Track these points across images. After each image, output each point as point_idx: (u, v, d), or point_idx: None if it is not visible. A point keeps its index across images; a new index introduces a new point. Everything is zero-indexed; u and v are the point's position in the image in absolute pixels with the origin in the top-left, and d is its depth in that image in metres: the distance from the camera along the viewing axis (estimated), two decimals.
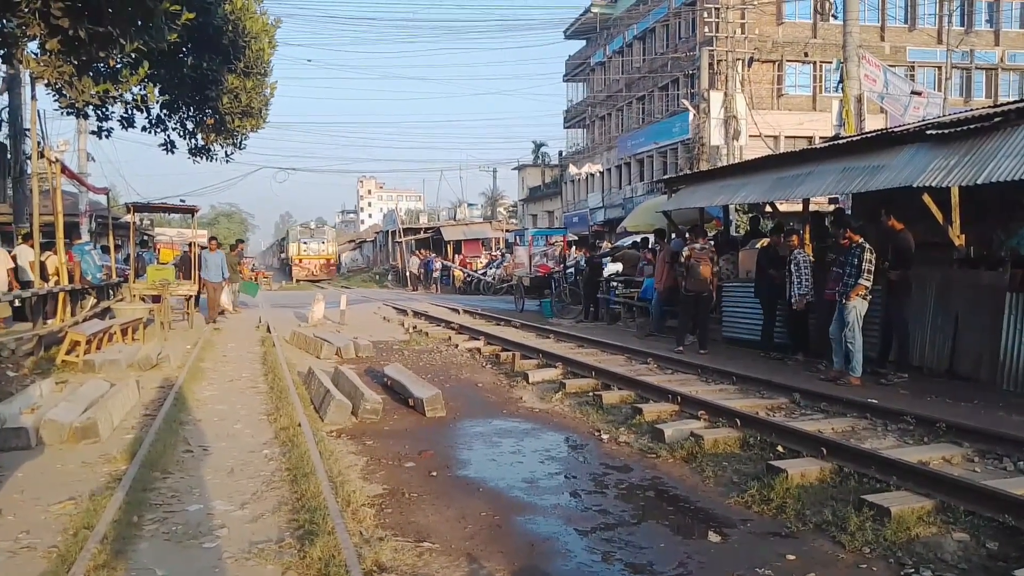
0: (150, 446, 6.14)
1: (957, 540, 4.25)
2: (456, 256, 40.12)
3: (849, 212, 12.11)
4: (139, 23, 9.03)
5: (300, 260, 48.53)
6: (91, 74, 9.69)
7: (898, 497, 4.76)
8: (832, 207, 14.81)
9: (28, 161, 17.37)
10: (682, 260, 11.74)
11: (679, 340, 11.78)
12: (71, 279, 14.00)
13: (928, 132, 8.91)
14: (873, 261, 8.67)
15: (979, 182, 7.85)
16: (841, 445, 5.75)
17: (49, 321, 12.92)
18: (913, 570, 4.04)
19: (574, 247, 24.54)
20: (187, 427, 7.26)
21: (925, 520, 4.51)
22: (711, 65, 29.85)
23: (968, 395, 7.97)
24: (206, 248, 17.53)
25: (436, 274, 35.60)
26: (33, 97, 11.17)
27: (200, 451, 6.44)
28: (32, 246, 13.66)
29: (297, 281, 45.59)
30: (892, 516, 4.49)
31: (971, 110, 9.33)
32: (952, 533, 4.34)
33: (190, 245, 18.80)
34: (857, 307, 8.70)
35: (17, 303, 12.08)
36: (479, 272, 33.65)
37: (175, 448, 6.43)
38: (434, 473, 5.94)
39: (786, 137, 32.82)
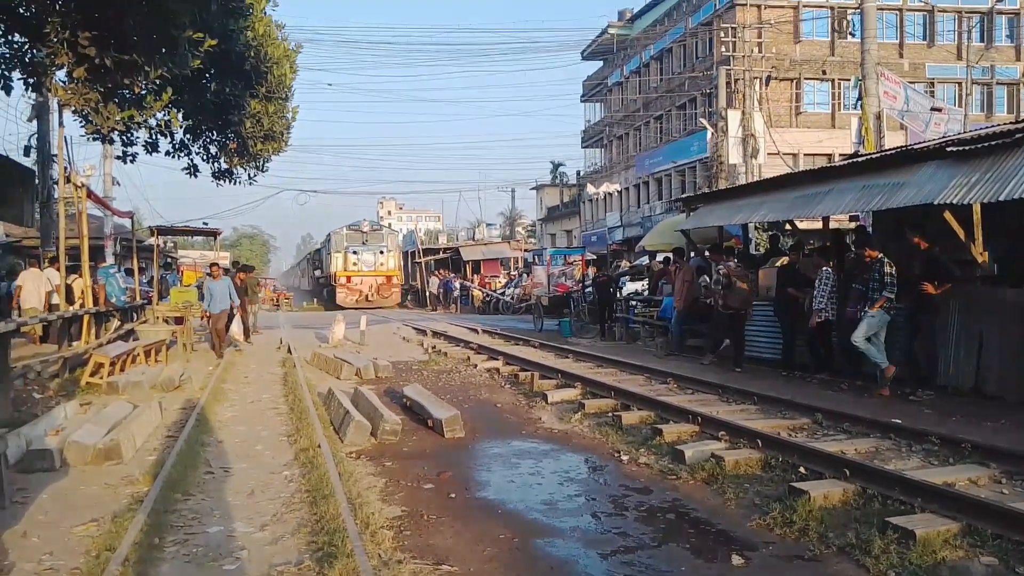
0: (172, 468, 6.19)
1: (985, 564, 4.17)
2: (475, 276, 40.12)
3: (870, 230, 12.03)
4: (163, 50, 9.21)
5: (348, 278, 34.99)
6: (116, 101, 9.87)
7: (923, 519, 4.68)
8: (853, 224, 14.71)
9: (55, 186, 17.71)
10: (720, 278, 11.66)
11: (712, 349, 11.69)
12: (96, 302, 14.19)
13: (948, 149, 8.85)
14: (894, 275, 8.71)
15: (1001, 198, 7.77)
16: (864, 466, 5.67)
17: (74, 343, 13.11)
18: None
19: (592, 266, 24.55)
20: (208, 448, 7.31)
21: (951, 543, 4.42)
22: (728, 84, 29.84)
23: (994, 414, 7.83)
24: (209, 275, 15.46)
25: (455, 294, 35.68)
26: (60, 124, 11.40)
27: (221, 472, 6.48)
28: (58, 269, 13.89)
29: (341, 308, 31.61)
30: (917, 539, 4.41)
31: (993, 126, 9.27)
32: (980, 557, 4.25)
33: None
34: (876, 318, 8.75)
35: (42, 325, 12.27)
36: (498, 292, 33.67)
37: (196, 469, 6.48)
38: (453, 495, 5.93)
39: (805, 155, 32.72)
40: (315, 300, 46.21)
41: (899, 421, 7.26)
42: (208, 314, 14.58)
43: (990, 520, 4.55)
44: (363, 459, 7.03)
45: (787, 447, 6.40)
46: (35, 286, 14.76)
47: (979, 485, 5.53)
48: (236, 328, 16.00)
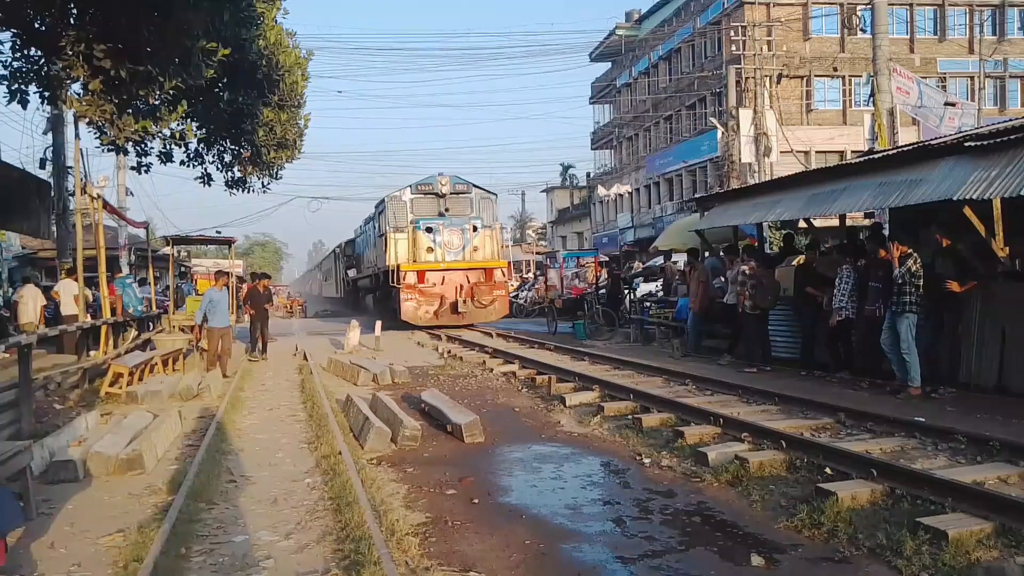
0: (194, 477, 6.20)
1: (1021, 564, 4.10)
2: None
3: (886, 227, 11.94)
4: (177, 61, 9.28)
5: (420, 276, 21.05)
6: (131, 112, 9.94)
7: (955, 519, 4.62)
8: (869, 222, 14.61)
9: (70, 197, 17.86)
10: (744, 277, 11.50)
11: (757, 357, 11.51)
12: (113, 312, 14.28)
13: (967, 144, 8.77)
14: (921, 272, 8.67)
15: (1023, 193, 7.69)
16: (891, 466, 5.61)
17: (91, 353, 13.19)
18: None
19: (604, 268, 24.49)
20: (229, 457, 7.32)
21: (985, 543, 4.36)
22: (738, 82, 29.76)
23: (1020, 412, 7.73)
24: (213, 287, 13.54)
25: None
26: (76, 136, 11.49)
27: (243, 481, 6.49)
28: (76, 280, 13.99)
29: (411, 326, 21.15)
30: (950, 539, 4.35)
31: (1008, 120, 9.18)
32: (1015, 557, 4.19)
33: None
34: (910, 318, 8.67)
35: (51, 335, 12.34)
36: (511, 295, 33.68)
37: (219, 478, 6.49)
38: (476, 500, 5.90)
39: (817, 152, 32.57)
40: (351, 311, 31.14)
41: (922, 419, 7.19)
42: (202, 328, 13.18)
43: None
44: (384, 465, 7.02)
45: (811, 447, 6.35)
46: (32, 301, 15.09)
47: (1009, 483, 5.46)
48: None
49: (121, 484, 6.40)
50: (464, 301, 20.80)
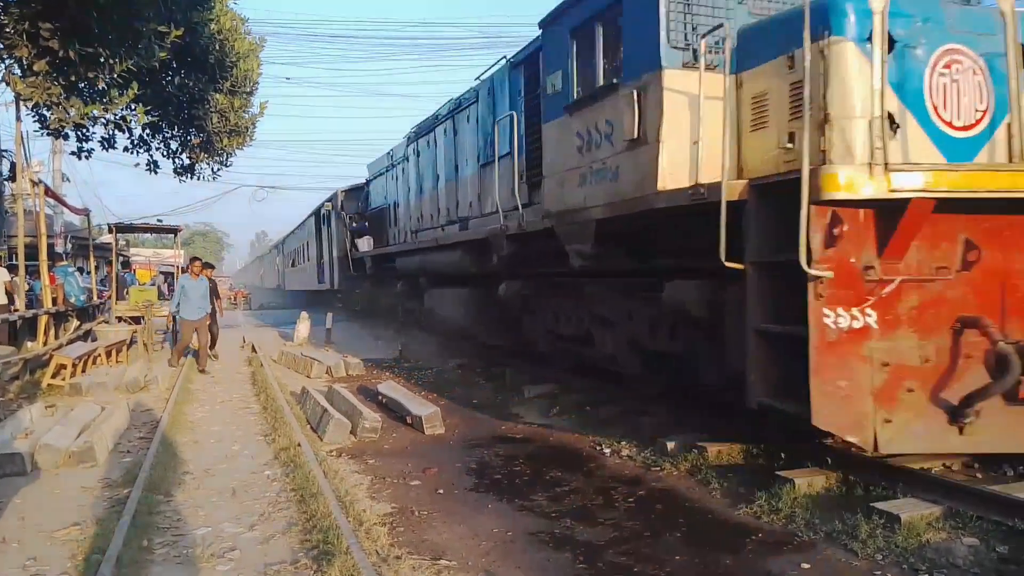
0: (150, 469, 6.06)
1: (968, 545, 4.31)
2: None
3: None
4: (128, 43, 9.01)
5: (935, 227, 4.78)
6: (78, 94, 9.61)
7: (906, 504, 4.83)
8: None
9: (6, 183, 17.14)
10: None
11: None
12: (54, 301, 13.80)
13: None
14: None
15: None
16: (846, 454, 5.82)
17: (29, 344, 12.72)
18: (927, 575, 4.10)
19: None
20: (184, 449, 7.17)
21: (935, 526, 4.57)
22: None
23: None
24: (185, 273, 12.84)
25: None
26: (18, 119, 11.04)
27: (201, 473, 6.37)
28: (4, 268, 13.48)
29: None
30: (902, 523, 4.55)
31: None
32: (962, 538, 4.41)
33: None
34: None
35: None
36: None
37: (175, 470, 6.36)
38: (440, 490, 5.91)
39: None
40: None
41: None
42: (175, 319, 12.53)
43: (970, 503, 4.71)
44: (344, 457, 6.97)
45: (766, 436, 6.52)
46: None
47: (953, 470, 5.70)
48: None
49: (72, 477, 6.21)
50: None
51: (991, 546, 4.32)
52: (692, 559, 4.44)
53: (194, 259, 12.82)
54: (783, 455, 6.06)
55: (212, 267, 14.96)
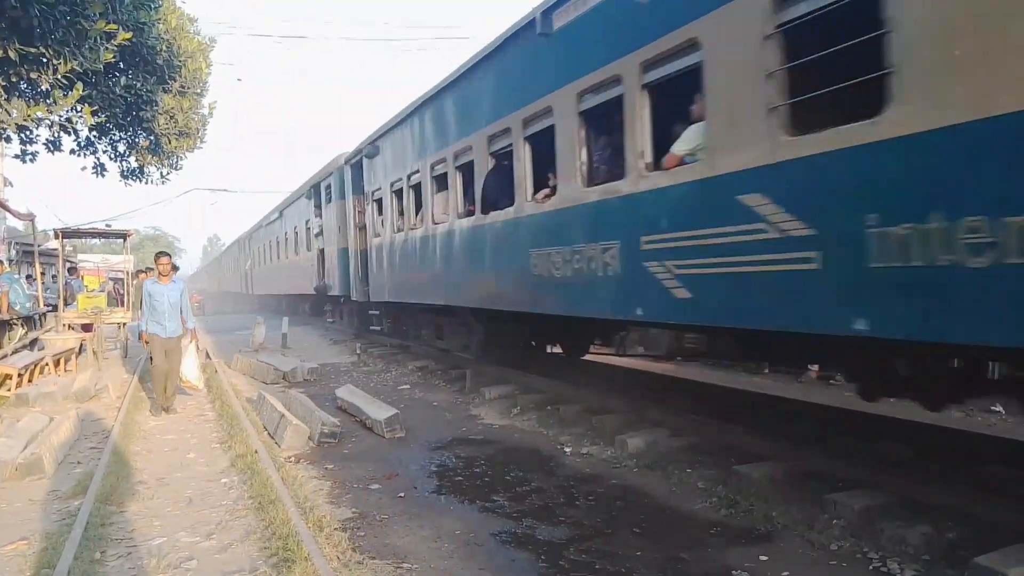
0: (102, 479, 5.90)
1: (921, 532, 4.42)
2: None
3: None
4: (73, 43, 8.76)
5: None
6: (20, 95, 9.32)
7: (862, 494, 4.93)
8: None
9: None
10: None
11: None
12: None
13: None
14: None
15: None
16: (802, 445, 5.93)
17: None
18: (881, 563, 4.20)
19: None
20: (137, 458, 7.01)
21: (889, 515, 4.68)
22: None
23: None
24: (151, 278, 9.68)
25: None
26: None
27: (155, 482, 6.22)
28: None
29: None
30: (855, 512, 4.66)
31: None
32: (916, 526, 4.52)
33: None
34: None
35: None
36: None
37: (128, 480, 6.21)
38: (402, 494, 5.87)
39: None
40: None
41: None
42: (151, 339, 9.26)
43: (923, 491, 4.84)
44: (303, 463, 6.87)
45: (724, 431, 6.62)
46: None
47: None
48: (190, 366, 9.73)
49: (20, 490, 6.02)
50: None
51: (943, 533, 4.43)
52: (652, 554, 4.48)
53: (161, 254, 9.60)
54: (742, 450, 6.16)
55: (176, 267, 11.94)
